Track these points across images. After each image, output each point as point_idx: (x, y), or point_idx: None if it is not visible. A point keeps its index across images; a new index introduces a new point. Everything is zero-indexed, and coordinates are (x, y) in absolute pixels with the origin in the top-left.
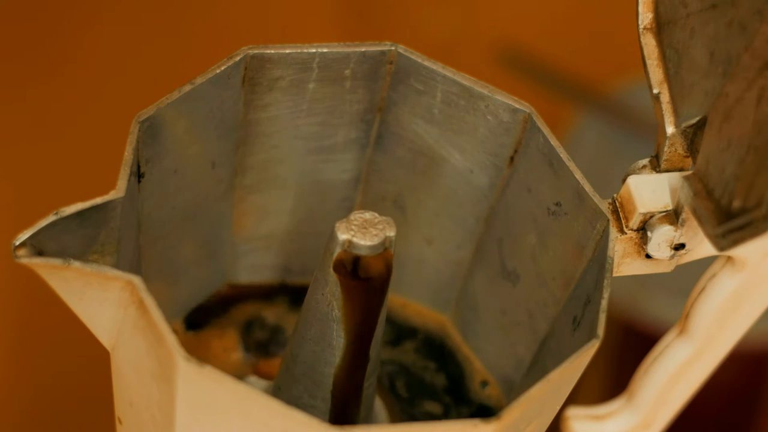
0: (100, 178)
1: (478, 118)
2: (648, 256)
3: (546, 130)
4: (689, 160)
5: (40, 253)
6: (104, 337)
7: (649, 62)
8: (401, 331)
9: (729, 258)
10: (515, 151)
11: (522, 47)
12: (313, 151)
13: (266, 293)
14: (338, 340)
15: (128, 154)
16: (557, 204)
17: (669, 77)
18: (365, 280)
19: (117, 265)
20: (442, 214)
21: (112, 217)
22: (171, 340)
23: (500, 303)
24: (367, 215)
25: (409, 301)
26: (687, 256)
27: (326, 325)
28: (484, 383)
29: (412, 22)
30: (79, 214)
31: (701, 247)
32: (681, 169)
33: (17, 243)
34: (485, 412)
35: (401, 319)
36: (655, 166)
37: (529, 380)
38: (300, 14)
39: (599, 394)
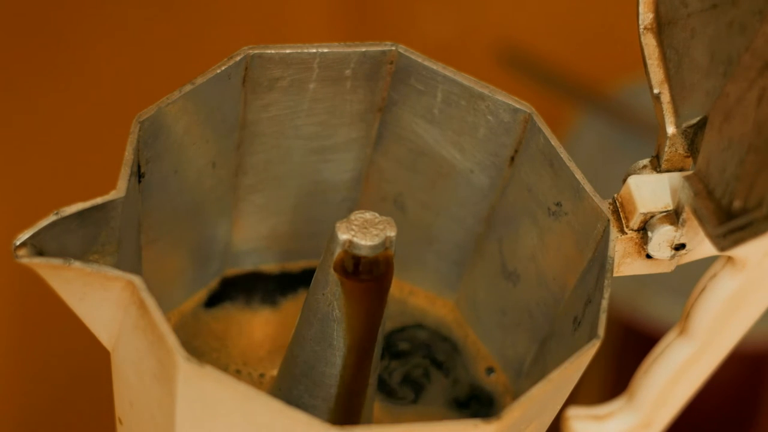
0: (100, 178)
1: (478, 118)
2: (648, 256)
3: (546, 130)
4: (690, 160)
5: (40, 253)
6: (104, 337)
7: (649, 62)
8: (407, 318)
9: (729, 258)
10: (516, 151)
11: (522, 47)
12: (313, 151)
13: (266, 293)
14: (339, 340)
15: (128, 154)
16: (557, 204)
17: (669, 77)
18: (366, 280)
19: (117, 265)
20: (442, 214)
21: (112, 217)
22: (171, 340)
23: (500, 303)
24: (368, 215)
25: (415, 287)
26: (687, 256)
27: (327, 325)
28: (490, 370)
29: (413, 22)
30: (80, 214)
31: (702, 247)
32: (681, 169)
33: (18, 243)
34: (490, 399)
35: (407, 306)
36: (656, 166)
37: (530, 380)
38: (300, 14)
39: (599, 394)
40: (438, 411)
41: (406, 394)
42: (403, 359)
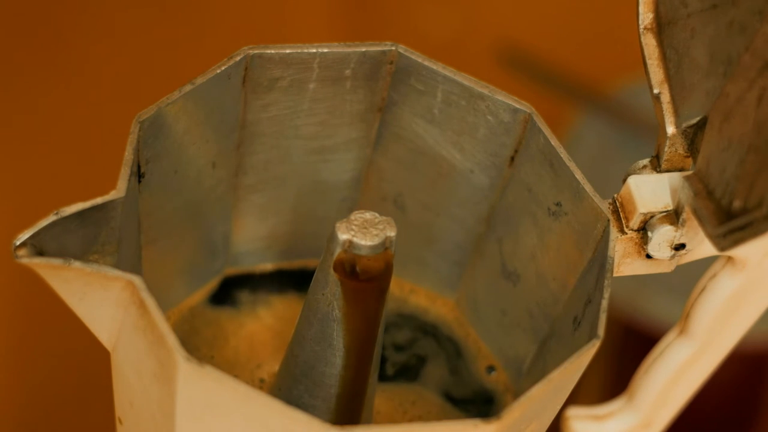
0: (100, 178)
1: (478, 118)
2: (648, 256)
3: (546, 130)
4: (690, 160)
5: (40, 253)
6: (104, 337)
7: (649, 62)
8: (408, 316)
9: (729, 258)
10: (516, 151)
11: (522, 47)
12: (313, 151)
13: (265, 293)
14: (339, 340)
15: (128, 154)
16: (557, 204)
17: (669, 77)
18: (365, 281)
19: (117, 265)
20: (442, 214)
21: (112, 217)
22: (171, 340)
23: (501, 303)
24: (368, 215)
25: (416, 286)
26: (687, 256)
27: (327, 325)
28: (491, 368)
29: (413, 22)
30: (80, 214)
31: (701, 247)
32: (681, 169)
33: (18, 243)
34: (490, 398)
35: (407, 304)
36: (656, 166)
37: (530, 380)
38: (300, 14)
39: (599, 394)
40: (437, 403)
41: (404, 371)
42: (401, 336)
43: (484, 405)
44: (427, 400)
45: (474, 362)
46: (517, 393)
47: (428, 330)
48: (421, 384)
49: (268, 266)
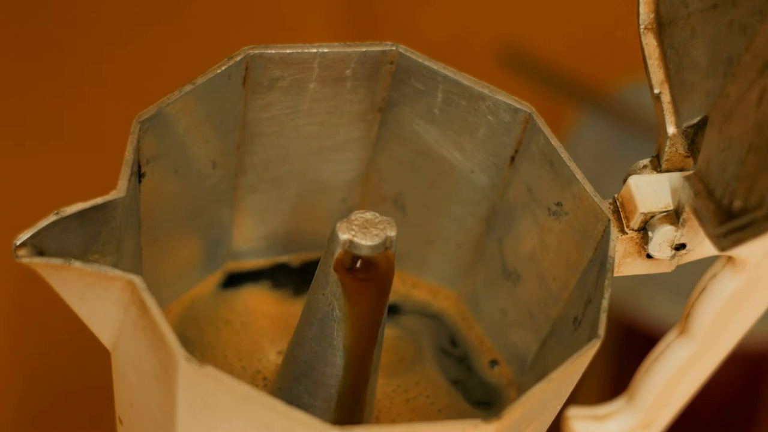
0: (101, 178)
1: (478, 118)
2: (649, 256)
3: (547, 130)
4: (690, 160)
5: (40, 253)
6: (105, 337)
7: (650, 62)
8: (411, 309)
9: (730, 258)
10: (516, 151)
11: (522, 47)
12: (313, 151)
13: (266, 292)
14: (339, 340)
15: (129, 154)
16: (558, 204)
17: (670, 77)
18: (366, 280)
19: (117, 265)
20: (442, 214)
21: (112, 217)
22: (172, 340)
23: (501, 303)
24: (368, 215)
25: (420, 280)
26: (688, 256)
27: (327, 324)
28: (494, 362)
29: (413, 22)
30: (80, 214)
31: (702, 247)
32: (682, 169)
33: (18, 243)
34: (493, 392)
35: (412, 297)
36: (656, 166)
37: (531, 380)
38: (300, 14)
39: (599, 394)
40: (443, 386)
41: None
42: (404, 348)
43: (487, 399)
44: (431, 381)
45: (477, 357)
46: (521, 387)
47: (430, 324)
48: (423, 370)
49: (268, 265)
